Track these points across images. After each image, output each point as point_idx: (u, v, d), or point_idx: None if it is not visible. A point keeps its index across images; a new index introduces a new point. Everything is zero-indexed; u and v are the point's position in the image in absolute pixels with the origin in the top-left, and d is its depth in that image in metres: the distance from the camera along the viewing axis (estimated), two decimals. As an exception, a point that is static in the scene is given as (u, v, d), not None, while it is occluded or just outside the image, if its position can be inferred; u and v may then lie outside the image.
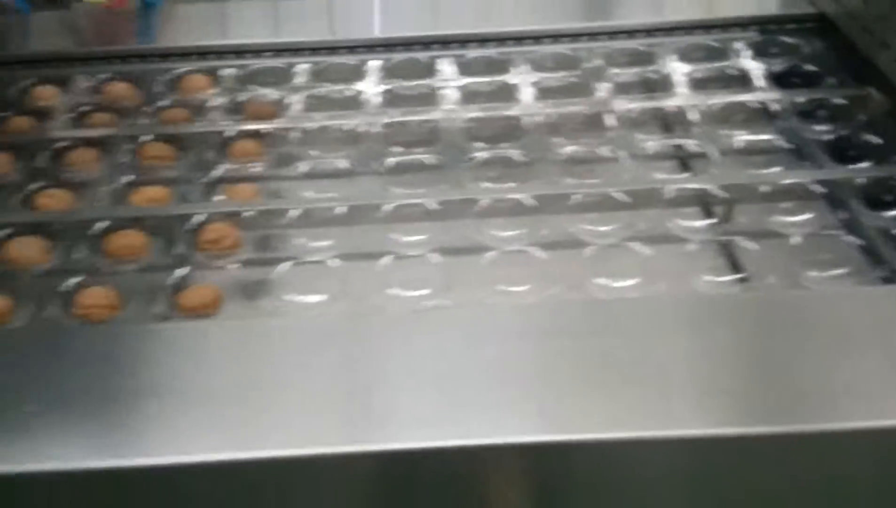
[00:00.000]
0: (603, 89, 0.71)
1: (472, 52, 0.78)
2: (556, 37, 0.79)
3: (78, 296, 0.52)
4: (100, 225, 0.58)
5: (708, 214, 0.59)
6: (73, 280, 0.53)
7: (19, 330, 0.50)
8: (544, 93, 0.71)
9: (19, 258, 0.56)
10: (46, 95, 0.75)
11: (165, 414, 0.41)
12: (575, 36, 0.79)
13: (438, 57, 0.77)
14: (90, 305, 0.51)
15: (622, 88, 0.71)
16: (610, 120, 0.67)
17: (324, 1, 0.91)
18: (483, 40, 0.79)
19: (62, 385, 0.42)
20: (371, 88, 0.74)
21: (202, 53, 0.79)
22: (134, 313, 0.52)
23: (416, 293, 0.52)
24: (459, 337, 0.45)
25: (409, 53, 0.78)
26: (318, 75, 0.76)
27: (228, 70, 0.77)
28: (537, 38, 0.79)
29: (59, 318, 0.51)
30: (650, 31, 0.79)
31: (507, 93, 0.72)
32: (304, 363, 0.43)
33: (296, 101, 0.73)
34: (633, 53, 0.77)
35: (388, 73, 0.76)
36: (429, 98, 0.72)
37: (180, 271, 0.54)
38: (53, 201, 0.60)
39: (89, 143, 0.67)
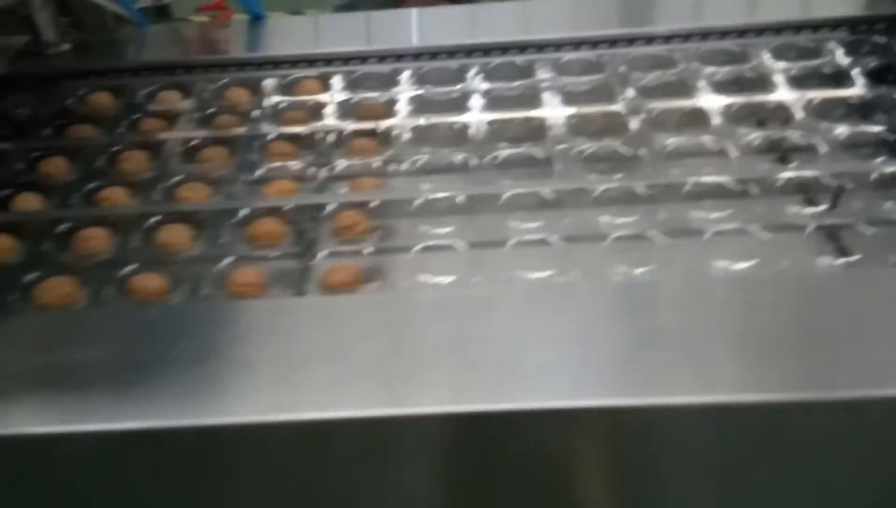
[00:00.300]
0: (701, 87, 0.74)
1: (568, 55, 0.82)
2: (649, 39, 0.82)
3: (231, 276, 0.57)
4: (240, 214, 0.63)
5: (814, 202, 0.62)
6: (225, 262, 0.58)
7: (192, 306, 0.55)
8: (645, 92, 0.74)
9: (169, 243, 0.61)
10: (172, 99, 0.81)
11: (332, 375, 0.45)
12: (668, 38, 0.82)
13: (537, 60, 0.81)
14: (243, 283, 0.56)
15: (720, 86, 0.74)
16: (712, 114, 0.70)
17: (413, 12, 0.96)
18: (578, 44, 0.83)
19: (240, 350, 0.47)
20: (471, 88, 0.78)
21: (310, 61, 0.84)
22: (280, 292, 0.57)
23: (544, 274, 0.55)
24: (592, 309, 0.49)
25: (506, 57, 0.83)
26: (422, 78, 0.81)
27: (337, 75, 0.82)
28: (631, 39, 0.82)
29: (213, 296, 0.56)
30: (742, 32, 0.82)
31: (608, 93, 0.75)
32: (455, 332, 0.47)
33: (403, 102, 0.77)
34: (726, 53, 0.80)
35: (488, 75, 0.80)
36: (531, 99, 0.76)
37: (321, 254, 0.58)
38: (193, 193, 0.66)
39: (218, 141, 0.73)
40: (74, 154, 0.72)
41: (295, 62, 0.84)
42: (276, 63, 0.84)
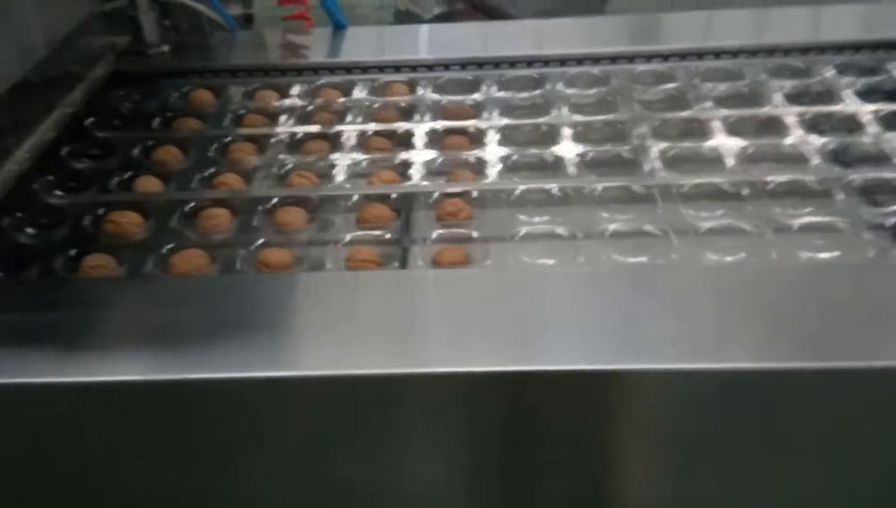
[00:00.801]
0: (775, 98, 0.79)
1: (641, 66, 0.87)
2: (717, 53, 0.88)
3: (351, 252, 0.61)
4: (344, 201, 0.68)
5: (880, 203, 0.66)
6: (344, 239, 0.63)
7: (320, 275, 0.60)
8: (720, 102, 0.79)
9: (287, 224, 0.66)
10: (270, 97, 0.86)
11: (454, 337, 0.50)
12: (735, 53, 0.87)
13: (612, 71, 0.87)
14: (362, 259, 0.61)
15: (790, 98, 0.79)
16: (788, 123, 0.75)
17: (489, 25, 1.03)
18: (649, 57, 0.88)
19: (364, 315, 0.52)
20: (549, 92, 0.84)
21: (397, 67, 0.90)
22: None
23: (640, 259, 0.60)
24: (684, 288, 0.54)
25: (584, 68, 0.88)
26: (503, 85, 0.86)
27: (424, 80, 0.88)
28: (707, 54, 0.88)
29: (334, 269, 0.61)
30: (804, 50, 0.87)
31: (681, 101, 0.81)
32: (562, 303, 0.52)
33: (487, 105, 0.83)
34: (791, 69, 0.85)
35: (570, 82, 0.86)
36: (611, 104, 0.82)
37: (434, 234, 0.63)
38: (306, 180, 0.71)
39: (320, 137, 0.78)
40: (184, 144, 0.78)
41: (382, 67, 0.90)
42: (363, 68, 0.90)
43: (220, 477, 0.52)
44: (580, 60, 0.89)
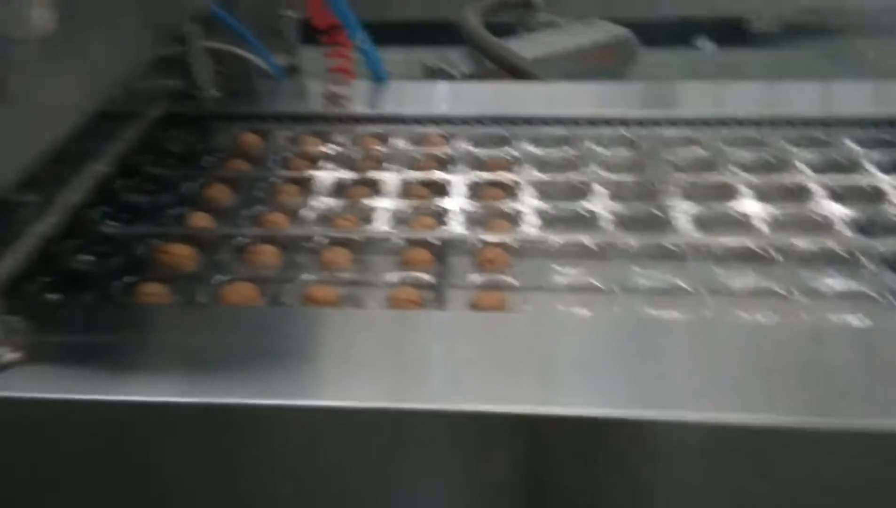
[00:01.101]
0: (800, 167, 0.82)
1: (668, 131, 0.91)
2: (740, 121, 0.92)
3: (393, 292, 0.65)
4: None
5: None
6: (384, 279, 0.67)
7: (360, 313, 0.63)
8: (746, 168, 0.84)
9: (332, 263, 0.69)
10: (314, 143, 0.90)
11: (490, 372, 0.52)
12: (757, 122, 0.92)
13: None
14: (404, 299, 0.64)
15: (816, 167, 0.83)
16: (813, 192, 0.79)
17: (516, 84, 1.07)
18: (675, 122, 0.92)
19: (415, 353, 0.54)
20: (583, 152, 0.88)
21: (435, 120, 0.95)
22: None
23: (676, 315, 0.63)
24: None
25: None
26: (537, 141, 0.91)
27: (460, 133, 0.92)
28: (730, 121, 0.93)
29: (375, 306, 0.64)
30: (823, 122, 0.91)
31: (709, 164, 0.85)
32: (599, 348, 0.55)
33: (523, 159, 0.87)
34: (813, 139, 0.89)
35: (599, 141, 0.90)
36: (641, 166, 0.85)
37: (473, 279, 0.66)
38: (349, 222, 0.74)
39: (365, 183, 0.82)
40: (234, 183, 0.82)
41: (420, 120, 0.95)
42: (403, 119, 0.95)
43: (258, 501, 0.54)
44: (608, 122, 0.93)
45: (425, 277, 0.67)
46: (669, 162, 0.85)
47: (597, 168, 0.84)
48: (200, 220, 0.75)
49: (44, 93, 0.55)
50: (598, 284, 0.66)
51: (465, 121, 0.94)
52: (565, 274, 0.68)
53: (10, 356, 0.54)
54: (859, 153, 0.85)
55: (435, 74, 1.69)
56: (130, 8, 0.71)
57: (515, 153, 0.87)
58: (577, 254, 0.70)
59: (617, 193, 0.80)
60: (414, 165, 0.86)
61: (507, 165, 0.85)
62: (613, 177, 0.82)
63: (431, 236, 0.72)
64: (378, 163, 0.86)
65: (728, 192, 0.79)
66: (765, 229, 0.73)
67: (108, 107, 0.73)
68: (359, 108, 0.98)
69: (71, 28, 0.55)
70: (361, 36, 0.98)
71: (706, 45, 2.07)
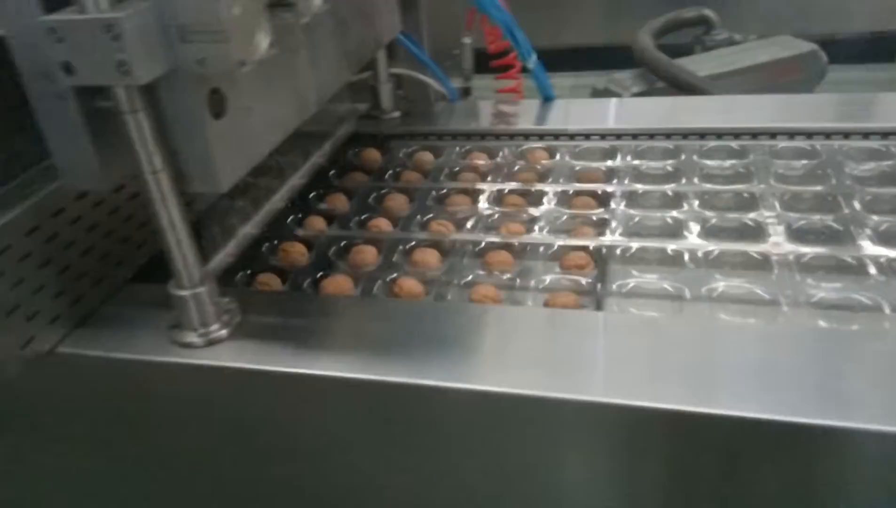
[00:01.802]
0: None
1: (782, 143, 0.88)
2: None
3: (474, 289, 0.70)
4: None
5: None
6: (465, 279, 0.72)
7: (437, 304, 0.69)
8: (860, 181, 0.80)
9: (421, 263, 0.76)
10: (481, 157, 0.96)
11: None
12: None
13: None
14: (483, 295, 0.69)
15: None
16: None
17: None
18: (792, 133, 0.89)
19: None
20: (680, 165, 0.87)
21: (602, 135, 0.98)
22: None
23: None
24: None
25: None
26: (639, 154, 0.91)
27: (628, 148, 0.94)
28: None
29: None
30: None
31: (820, 178, 0.82)
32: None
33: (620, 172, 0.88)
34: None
35: (776, 154, 0.89)
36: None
37: (547, 279, 0.70)
38: (443, 227, 0.81)
39: (519, 193, 0.87)
40: (409, 194, 0.90)
41: (586, 135, 0.98)
42: (567, 135, 0.98)
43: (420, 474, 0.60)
44: (790, 135, 0.91)
45: (583, 281, 0.70)
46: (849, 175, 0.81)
47: (773, 180, 0.83)
48: (381, 225, 0.83)
49: (260, 109, 0.65)
50: (763, 294, 0.66)
51: (631, 135, 0.96)
52: (728, 284, 0.68)
53: (221, 332, 0.65)
54: None
55: (603, 95, 1.71)
56: (337, 36, 0.81)
57: (678, 165, 0.88)
58: (743, 265, 0.70)
59: (792, 204, 0.78)
60: (577, 177, 0.89)
61: (598, 177, 0.87)
62: (706, 186, 0.82)
63: (590, 242, 0.75)
64: (541, 175, 0.90)
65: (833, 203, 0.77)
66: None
67: (311, 124, 0.83)
68: (525, 124, 1.03)
69: (285, 53, 0.65)
70: (532, 58, 1.03)
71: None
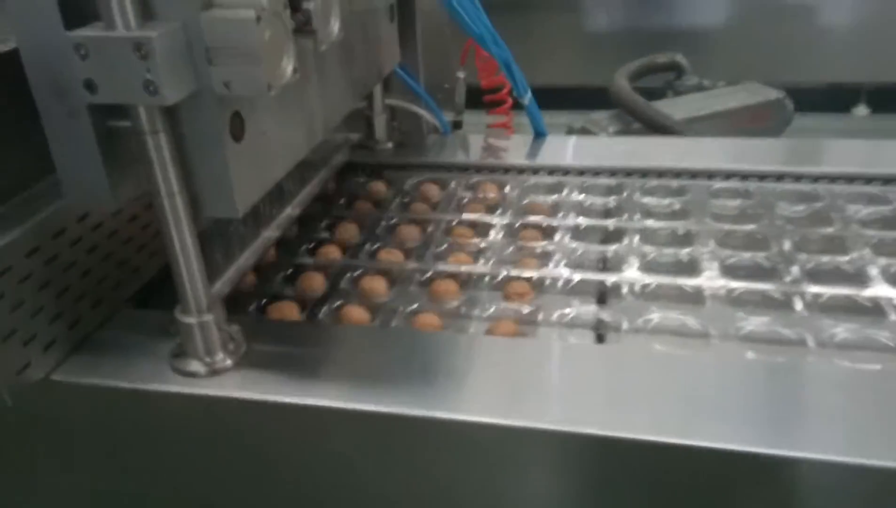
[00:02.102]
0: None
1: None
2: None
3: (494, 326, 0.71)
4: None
5: None
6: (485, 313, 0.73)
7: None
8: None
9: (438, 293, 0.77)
10: (491, 189, 0.97)
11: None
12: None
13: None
14: (499, 331, 0.70)
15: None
16: None
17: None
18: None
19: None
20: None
21: (612, 171, 0.99)
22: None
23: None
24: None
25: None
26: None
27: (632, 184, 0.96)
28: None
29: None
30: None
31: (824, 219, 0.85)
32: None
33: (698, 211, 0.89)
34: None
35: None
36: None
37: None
38: (463, 258, 0.82)
39: (532, 225, 0.88)
40: (421, 225, 0.90)
41: (584, 171, 0.99)
42: (563, 170, 1.00)
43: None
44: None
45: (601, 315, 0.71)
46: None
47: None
48: (390, 255, 0.84)
49: (273, 134, 0.64)
50: (788, 333, 0.68)
51: (628, 173, 0.98)
52: (751, 321, 0.69)
53: (226, 362, 0.63)
54: None
55: (579, 134, 1.74)
56: (345, 65, 0.81)
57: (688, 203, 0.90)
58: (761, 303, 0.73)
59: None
60: (584, 212, 0.90)
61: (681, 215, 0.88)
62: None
63: (596, 277, 0.76)
64: (548, 211, 0.91)
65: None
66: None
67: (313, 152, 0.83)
68: (518, 159, 1.04)
69: (301, 81, 0.65)
70: (528, 94, 1.04)
71: (861, 111, 2.01)
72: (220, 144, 0.56)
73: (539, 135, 1.09)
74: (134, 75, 0.50)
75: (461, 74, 1.12)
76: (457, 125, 1.16)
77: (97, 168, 0.55)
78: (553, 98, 2.00)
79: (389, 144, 1.07)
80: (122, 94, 0.51)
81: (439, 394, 0.58)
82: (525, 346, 0.67)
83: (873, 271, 0.74)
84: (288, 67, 0.56)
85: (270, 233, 0.81)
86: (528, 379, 0.60)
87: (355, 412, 0.58)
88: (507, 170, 1.01)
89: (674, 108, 1.72)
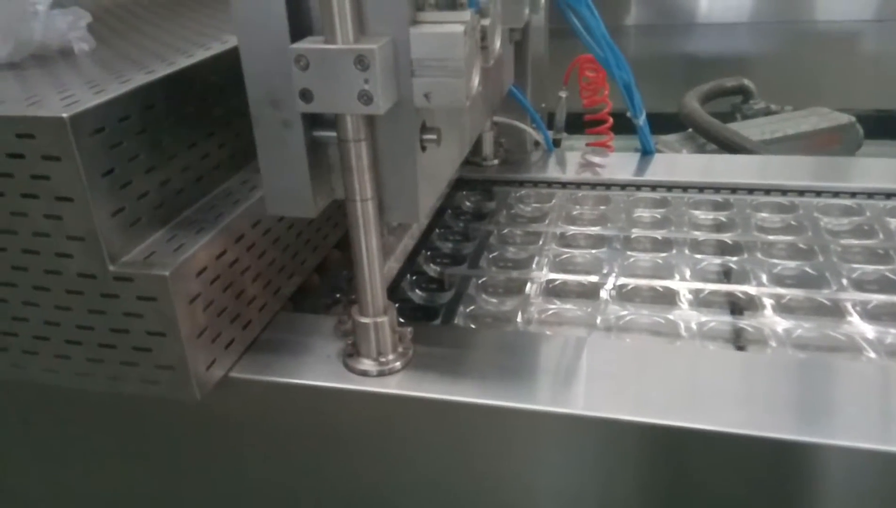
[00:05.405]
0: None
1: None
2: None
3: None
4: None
5: None
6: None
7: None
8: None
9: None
10: (584, 205, 0.99)
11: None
12: None
13: None
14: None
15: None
16: None
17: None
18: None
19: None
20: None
21: (716, 188, 1.01)
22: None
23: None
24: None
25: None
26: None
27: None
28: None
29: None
30: None
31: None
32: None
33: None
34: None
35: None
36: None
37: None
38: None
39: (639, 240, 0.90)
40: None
41: (691, 187, 1.02)
42: (666, 187, 1.02)
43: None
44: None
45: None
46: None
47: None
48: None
49: (443, 145, 0.67)
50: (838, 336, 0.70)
51: (746, 189, 1.00)
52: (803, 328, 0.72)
53: (397, 363, 0.65)
54: None
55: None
56: (484, 81, 0.84)
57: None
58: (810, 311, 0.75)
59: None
60: (696, 226, 0.92)
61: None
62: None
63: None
64: (655, 225, 0.93)
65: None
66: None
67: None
68: (621, 175, 1.06)
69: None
70: (643, 116, 1.07)
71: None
72: (413, 153, 0.58)
73: (646, 153, 1.12)
74: (351, 86, 0.53)
75: (563, 94, 1.15)
76: (556, 143, 1.19)
77: (303, 176, 0.58)
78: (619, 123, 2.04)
79: (496, 161, 1.10)
80: (337, 103, 0.54)
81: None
82: (675, 352, 0.69)
83: None
84: (475, 79, 0.59)
85: (407, 242, 0.84)
86: (698, 382, 0.61)
87: (539, 413, 0.60)
88: (623, 186, 1.03)
89: (747, 130, 1.74)
